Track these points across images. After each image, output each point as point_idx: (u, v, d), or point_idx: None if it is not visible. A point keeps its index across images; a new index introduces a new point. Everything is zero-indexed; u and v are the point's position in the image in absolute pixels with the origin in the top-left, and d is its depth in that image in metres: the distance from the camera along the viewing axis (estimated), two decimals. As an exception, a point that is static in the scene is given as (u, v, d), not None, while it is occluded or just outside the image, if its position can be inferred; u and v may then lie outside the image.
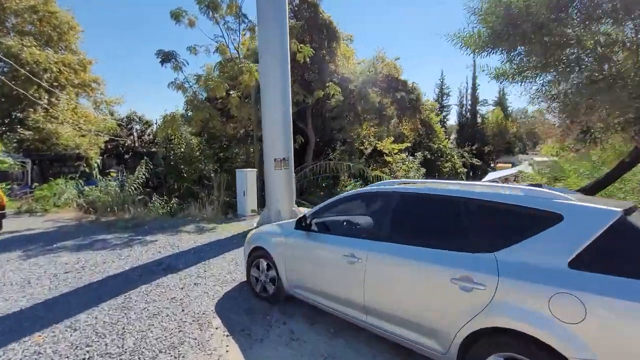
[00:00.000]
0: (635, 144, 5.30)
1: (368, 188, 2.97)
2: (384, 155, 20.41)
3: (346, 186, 16.74)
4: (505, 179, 28.04)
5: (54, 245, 6.16)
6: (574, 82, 4.92)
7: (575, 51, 4.77)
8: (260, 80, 8.17)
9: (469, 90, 46.80)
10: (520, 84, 5.98)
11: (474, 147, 40.18)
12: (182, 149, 19.95)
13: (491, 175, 29.49)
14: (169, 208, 11.99)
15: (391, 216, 2.62)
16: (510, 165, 39.80)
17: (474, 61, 57.00)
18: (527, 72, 5.76)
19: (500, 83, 6.03)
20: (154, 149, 21.72)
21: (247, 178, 9.50)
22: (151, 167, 14.25)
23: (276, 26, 7.88)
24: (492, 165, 44.43)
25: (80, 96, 19.34)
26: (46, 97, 16.76)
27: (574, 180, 8.62)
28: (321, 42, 15.06)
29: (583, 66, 4.60)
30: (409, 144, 23.57)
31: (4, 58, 14.49)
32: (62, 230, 7.60)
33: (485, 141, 43.94)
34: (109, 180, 11.91)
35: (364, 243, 2.66)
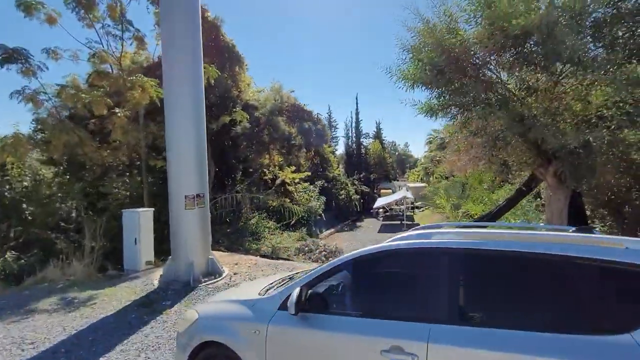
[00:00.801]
0: (536, 174, 6.21)
1: (403, 244, 2.09)
2: (286, 184, 20.01)
3: (250, 219, 15.36)
4: (396, 204, 31.44)
5: None
6: (498, 120, 5.40)
7: (503, 92, 5.27)
8: (165, 95, 6.52)
9: (354, 124, 52.14)
10: (448, 119, 6.37)
11: (361, 175, 44.27)
12: (25, 183, 14.98)
13: (380, 201, 32.67)
14: (12, 267, 8.28)
15: (464, 284, 1.84)
16: (390, 191, 45.23)
17: (356, 98, 64.75)
18: (452, 108, 6.16)
19: (431, 117, 6.27)
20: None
21: (139, 220, 7.26)
22: None
23: (188, 20, 6.51)
24: (375, 191, 49.72)
25: None
26: None
27: (470, 206, 10.04)
28: (223, 65, 13.92)
29: (509, 107, 5.07)
30: (308, 173, 23.94)
31: None
32: None
33: (369, 170, 49.15)
34: None
35: (418, 329, 1.78)
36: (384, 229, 26.53)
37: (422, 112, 6.47)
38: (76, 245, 10.19)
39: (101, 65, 9.83)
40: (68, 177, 11.10)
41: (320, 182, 24.40)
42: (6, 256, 9.22)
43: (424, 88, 6.18)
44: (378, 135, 56.74)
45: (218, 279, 6.39)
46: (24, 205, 13.77)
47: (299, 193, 21.07)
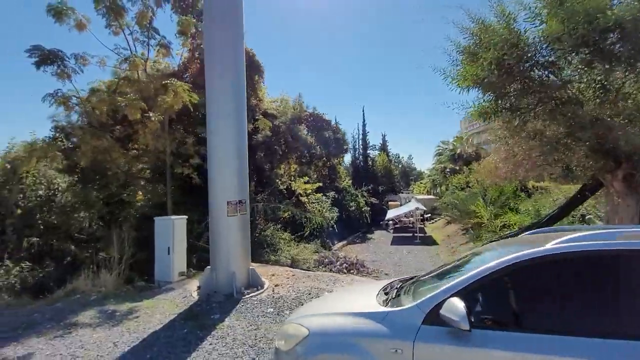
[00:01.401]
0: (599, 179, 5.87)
1: (591, 245, 1.74)
2: (299, 195, 19.72)
3: (264, 230, 14.96)
4: (405, 216, 30.98)
5: None
6: (564, 123, 5.11)
7: (573, 93, 5.00)
8: (207, 100, 6.28)
9: (360, 136, 52.17)
10: (505, 121, 6.09)
11: (369, 187, 43.92)
12: (40, 192, 14.70)
13: (391, 213, 32.20)
14: (27, 279, 7.91)
15: None
16: (397, 203, 44.87)
17: (363, 110, 64.91)
18: (505, 110, 5.89)
19: (484, 120, 6.00)
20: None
21: (174, 229, 6.91)
22: None
23: (233, 25, 6.35)
24: (383, 203, 49.30)
25: None
26: None
27: (511, 215, 9.69)
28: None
29: (580, 108, 4.79)
30: (319, 184, 23.64)
31: None
32: None
33: (377, 182, 48.83)
34: None
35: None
36: (397, 241, 25.98)
37: (473, 116, 6.22)
38: (99, 256, 9.82)
39: (128, 71, 9.70)
40: (89, 185, 10.77)
41: (331, 193, 24.11)
42: (19, 266, 8.87)
43: (478, 90, 5.96)
44: (384, 148, 56.77)
45: (260, 291, 5.99)
46: (38, 215, 13.45)
47: (311, 204, 20.74)
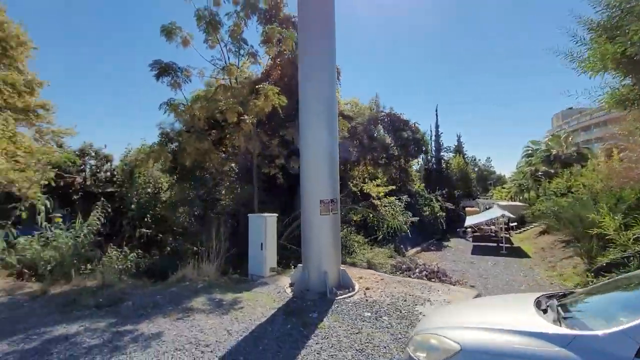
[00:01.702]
0: None
1: None
2: (371, 198, 19.18)
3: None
4: (486, 224, 28.15)
5: (-31, 357, 3.33)
6: None
7: None
8: (301, 98, 6.41)
9: (433, 137, 49.31)
10: None
11: (444, 192, 41.12)
12: (149, 190, 16.87)
13: (470, 220, 29.56)
14: (139, 264, 9.03)
15: None
16: (476, 209, 41.13)
17: (436, 110, 60.65)
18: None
19: (625, 108, 4.95)
20: (110, 189, 18.15)
21: (266, 225, 7.22)
22: (109, 210, 11.26)
23: (324, 28, 6.39)
24: (459, 209, 45.62)
25: (20, 124, 15.76)
26: (-26, 120, 13.21)
27: None
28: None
29: None
30: (392, 187, 22.75)
31: None
32: (-19, 317, 4.60)
33: (452, 186, 45.49)
34: (59, 228, 8.75)
35: None
36: (477, 251, 23.73)
37: (608, 103, 5.20)
38: (195, 248, 10.81)
39: (224, 79, 10.58)
40: (187, 184, 11.99)
41: (404, 196, 23.11)
42: (134, 253, 10.21)
43: (615, 73, 4.96)
44: (459, 149, 52.79)
45: (352, 293, 5.85)
46: (158, 211, 15.45)
47: (384, 207, 20.13)
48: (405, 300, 5.43)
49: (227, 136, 10.83)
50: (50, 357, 3.35)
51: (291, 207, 12.50)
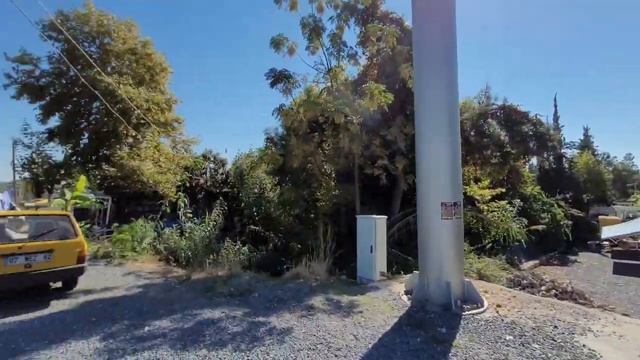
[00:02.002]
0: None
1: None
2: (475, 202, 17.04)
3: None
4: (631, 237, 22.51)
5: (145, 330, 3.97)
6: None
7: None
8: (416, 90, 5.99)
9: (552, 131, 41.76)
10: None
11: (568, 196, 34.42)
12: (256, 190, 18.50)
13: (609, 231, 23.97)
14: (251, 258, 9.82)
15: None
16: (616, 218, 33.42)
17: (555, 99, 50.96)
18: None
19: None
20: (225, 189, 20.66)
21: (376, 228, 6.99)
22: (225, 208, 12.64)
23: (444, 23, 5.83)
24: (589, 216, 37.62)
25: (161, 135, 19.22)
26: (133, 134, 16.62)
27: None
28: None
29: None
30: (502, 189, 19.87)
31: (98, 94, 14.55)
32: (147, 295, 5.54)
33: (579, 189, 37.73)
34: (193, 222, 10.23)
35: None
36: (622, 269, 18.98)
37: None
38: (300, 246, 11.27)
39: (328, 82, 10.84)
40: (288, 185, 12.65)
41: (517, 201, 19.99)
42: (246, 247, 11.15)
43: None
44: (587, 145, 43.76)
45: (481, 309, 5.12)
46: (255, 209, 16.87)
47: (491, 213, 17.77)
48: (555, 327, 4.47)
49: (329, 138, 11.03)
50: (204, 337, 3.73)
51: (389, 208, 12.04)
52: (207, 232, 9.85)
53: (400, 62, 11.67)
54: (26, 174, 15.55)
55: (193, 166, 18.78)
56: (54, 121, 16.60)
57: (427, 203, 5.64)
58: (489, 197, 16.75)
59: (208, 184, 20.78)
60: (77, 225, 5.41)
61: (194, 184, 20.13)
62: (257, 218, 16.74)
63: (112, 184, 15.68)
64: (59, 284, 5.66)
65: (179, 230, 10.84)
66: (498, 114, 13.80)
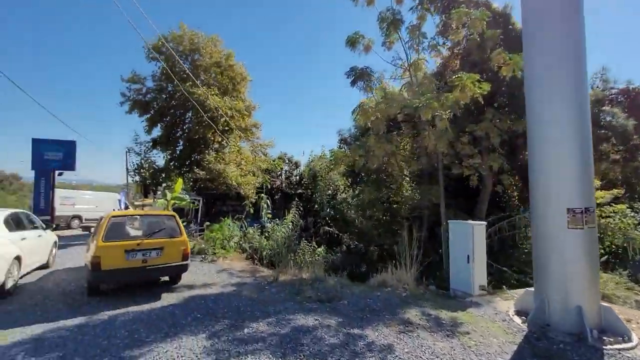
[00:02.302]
0: None
1: None
2: None
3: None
4: None
5: (245, 332, 4.03)
6: None
7: None
8: (527, 75, 5.10)
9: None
10: None
11: None
12: (329, 191, 18.49)
13: None
14: (326, 259, 9.66)
15: None
16: None
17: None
18: None
19: None
20: (299, 190, 21.22)
21: (473, 235, 6.19)
22: (301, 209, 12.79)
23: None
24: None
25: (242, 140, 20.59)
26: (219, 140, 18.09)
27: None
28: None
29: None
30: (619, 192, 16.36)
31: (195, 104, 16.14)
32: (242, 294, 5.75)
33: None
34: (274, 223, 10.58)
35: None
36: None
37: None
38: (378, 249, 10.77)
39: (408, 77, 10.18)
40: (370, 186, 12.23)
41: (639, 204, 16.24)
42: (322, 248, 11.03)
43: None
44: None
45: (628, 343, 4.06)
46: (328, 210, 16.81)
47: (606, 218, 14.77)
48: None
49: (406, 137, 10.35)
50: (302, 347, 3.61)
51: (472, 211, 10.78)
52: (288, 233, 10.08)
53: (490, 48, 10.41)
54: (137, 178, 18.15)
55: (273, 168, 19.71)
56: (157, 131, 19.04)
57: (545, 209, 4.73)
58: (604, 199, 13.98)
59: (283, 185, 21.61)
60: (181, 225, 5.89)
61: (270, 186, 21.14)
62: (330, 219, 16.77)
63: (202, 185, 17.31)
64: (165, 278, 6.24)
65: (259, 230, 11.35)
66: (619, 99, 11.39)
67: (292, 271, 7.48)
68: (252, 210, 13.51)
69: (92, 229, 7.29)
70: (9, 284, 5.33)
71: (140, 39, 38.67)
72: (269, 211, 14.37)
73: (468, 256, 6.22)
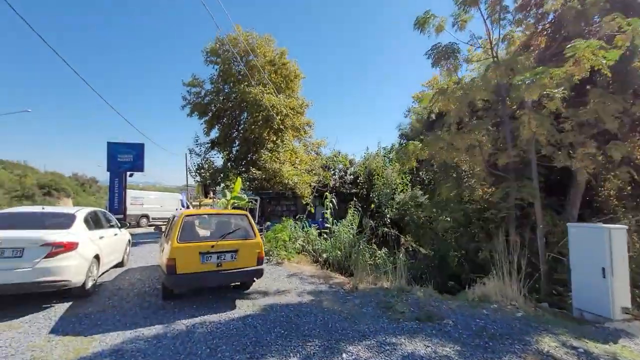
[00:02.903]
0: None
1: None
2: None
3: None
4: None
5: (344, 358, 3.28)
6: None
7: None
8: None
9: None
10: None
11: None
12: (387, 190, 17.34)
13: None
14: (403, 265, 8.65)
15: None
16: None
17: None
18: None
19: None
20: (354, 190, 20.34)
21: (610, 242, 4.83)
22: (359, 209, 11.90)
23: None
24: None
25: (295, 138, 20.28)
26: (273, 139, 17.93)
27: None
28: None
29: None
30: None
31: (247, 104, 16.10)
32: (322, 305, 5.06)
33: None
34: (333, 223, 9.88)
35: None
36: None
37: None
38: (458, 255, 9.51)
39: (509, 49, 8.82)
40: (450, 184, 10.89)
41: None
42: (382, 252, 10.00)
43: None
44: None
45: None
46: (385, 210, 15.68)
47: None
48: None
49: (484, 126, 8.92)
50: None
51: (562, 211, 8.97)
52: (352, 235, 9.30)
53: (593, 15, 8.64)
54: (197, 178, 18.69)
55: (333, 165, 19.16)
56: (214, 133, 19.47)
57: None
58: None
59: (337, 184, 20.90)
60: (254, 225, 5.38)
61: (324, 185, 20.56)
62: (391, 220, 15.64)
63: (258, 185, 17.26)
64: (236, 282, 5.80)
65: (317, 231, 10.73)
66: None
67: (369, 278, 6.66)
68: (312, 211, 12.99)
69: (163, 228, 7.17)
70: (89, 284, 5.24)
71: (201, 44, 40.70)
72: (328, 211, 13.74)
73: (603, 269, 4.87)
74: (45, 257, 4.49)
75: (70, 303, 4.90)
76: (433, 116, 14.20)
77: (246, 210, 15.23)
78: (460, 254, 8.88)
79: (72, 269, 4.74)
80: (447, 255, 8.97)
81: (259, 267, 5.05)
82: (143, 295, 5.40)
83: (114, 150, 15.67)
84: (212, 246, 4.73)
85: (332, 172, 21.49)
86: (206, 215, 5.84)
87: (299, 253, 9.34)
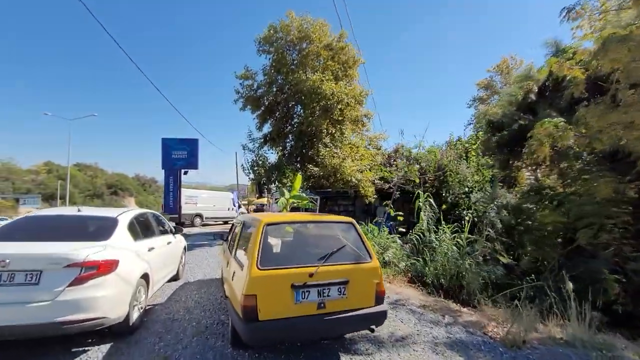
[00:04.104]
0: None
1: None
2: None
3: None
4: None
5: None
6: None
7: None
8: None
9: None
10: None
11: None
12: (462, 189, 14.77)
13: None
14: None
15: None
16: None
17: None
18: None
19: None
20: (417, 190, 17.86)
21: None
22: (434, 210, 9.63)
23: None
24: None
25: (354, 132, 18.30)
26: (332, 131, 16.19)
27: None
28: None
29: None
30: None
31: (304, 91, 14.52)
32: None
33: None
34: (441, 233, 7.76)
35: None
36: None
37: None
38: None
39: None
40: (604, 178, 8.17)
41: None
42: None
43: None
44: None
45: None
46: (463, 211, 13.00)
47: None
48: None
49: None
50: None
51: None
52: (458, 248, 7.12)
53: None
54: (251, 175, 17.53)
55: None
56: (267, 128, 18.21)
57: None
58: None
59: (402, 182, 18.55)
60: (366, 239, 3.50)
61: (387, 182, 18.36)
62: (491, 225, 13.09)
63: (315, 183, 15.60)
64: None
65: (400, 239, 8.73)
66: None
67: (506, 315, 4.49)
68: (392, 212, 10.95)
69: (226, 237, 5.64)
70: (134, 316, 3.78)
71: (253, 34, 40.63)
72: (401, 213, 11.59)
73: None
74: (72, 284, 3.04)
75: (109, 345, 3.46)
76: (532, 96, 11.44)
77: (305, 210, 13.64)
78: (620, 276, 6.28)
79: (109, 300, 3.27)
80: (598, 276, 6.39)
81: (381, 307, 3.14)
82: (204, 333, 3.82)
83: (169, 146, 15.00)
84: (311, 275, 2.94)
85: (394, 166, 19.19)
86: (298, 223, 3.81)
87: (384, 266, 7.38)
